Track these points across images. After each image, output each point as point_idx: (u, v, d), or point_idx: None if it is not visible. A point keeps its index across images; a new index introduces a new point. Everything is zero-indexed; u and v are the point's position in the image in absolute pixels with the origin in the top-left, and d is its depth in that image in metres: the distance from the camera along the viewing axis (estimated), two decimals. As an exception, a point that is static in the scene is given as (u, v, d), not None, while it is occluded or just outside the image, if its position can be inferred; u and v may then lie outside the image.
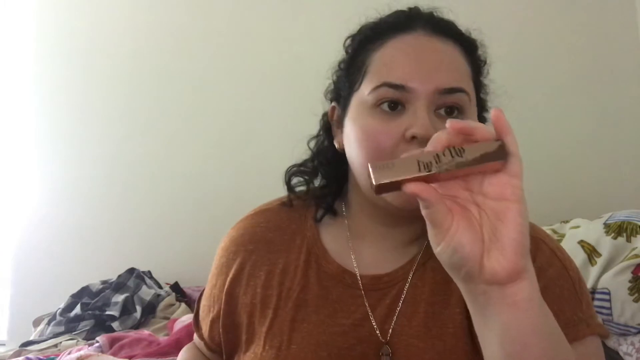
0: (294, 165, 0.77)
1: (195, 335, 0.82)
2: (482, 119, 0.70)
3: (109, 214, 2.17)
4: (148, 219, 2.13)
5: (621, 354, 1.15)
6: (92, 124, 2.23)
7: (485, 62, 0.71)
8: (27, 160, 2.28)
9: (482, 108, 0.71)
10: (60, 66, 2.28)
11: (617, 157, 1.71)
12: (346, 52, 0.72)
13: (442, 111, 0.62)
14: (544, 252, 0.66)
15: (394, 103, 0.61)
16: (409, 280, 0.67)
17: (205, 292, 0.80)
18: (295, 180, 0.77)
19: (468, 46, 0.67)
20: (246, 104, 2.07)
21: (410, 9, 0.69)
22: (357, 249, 0.71)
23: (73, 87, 2.25)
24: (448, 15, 0.70)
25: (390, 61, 0.63)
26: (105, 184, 2.18)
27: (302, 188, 0.77)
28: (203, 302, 0.80)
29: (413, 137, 0.59)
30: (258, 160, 2.00)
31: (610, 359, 1.15)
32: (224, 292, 0.73)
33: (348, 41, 0.72)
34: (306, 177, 0.76)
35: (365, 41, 0.68)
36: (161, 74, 2.17)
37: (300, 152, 0.78)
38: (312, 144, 0.77)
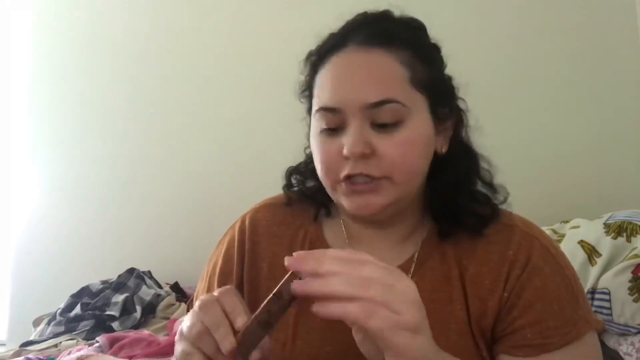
0: (291, 167, 0.80)
1: None
2: (452, 107, 0.69)
3: (109, 214, 2.17)
4: (148, 219, 2.13)
5: (621, 354, 1.15)
6: (92, 123, 2.23)
7: (433, 55, 0.69)
8: (27, 160, 2.28)
9: (449, 97, 0.70)
10: (60, 65, 2.28)
11: (617, 157, 1.71)
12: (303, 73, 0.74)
13: (377, 124, 0.62)
14: (538, 250, 0.66)
15: (333, 123, 0.64)
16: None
17: (204, 276, 0.80)
18: (294, 180, 0.79)
19: (407, 45, 0.65)
20: (246, 104, 2.07)
21: (352, 18, 0.70)
22: (356, 249, 0.72)
23: (73, 86, 2.26)
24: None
25: (324, 84, 0.66)
26: (105, 184, 2.18)
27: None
28: (202, 285, 0.79)
29: (346, 156, 0.62)
30: (258, 160, 2.00)
31: (611, 358, 1.15)
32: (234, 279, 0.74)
33: (302, 63, 0.73)
34: (300, 178, 0.79)
35: (312, 64, 0.70)
36: (161, 74, 2.17)
37: (299, 152, 0.80)
38: (308, 150, 0.79)
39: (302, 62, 0.73)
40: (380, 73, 0.63)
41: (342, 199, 0.65)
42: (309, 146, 0.78)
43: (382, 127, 0.62)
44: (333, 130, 0.64)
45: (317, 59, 0.69)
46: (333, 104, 0.63)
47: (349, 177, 0.63)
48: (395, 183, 0.63)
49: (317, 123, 0.66)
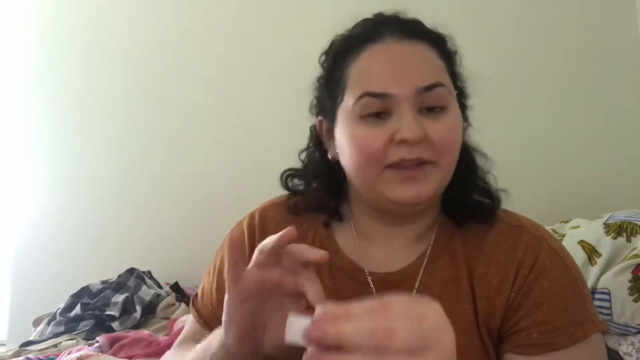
0: (288, 171, 0.79)
1: (190, 321, 0.80)
2: (462, 105, 0.72)
3: (109, 214, 2.17)
4: (148, 219, 2.13)
5: (621, 354, 1.15)
6: (93, 124, 2.23)
7: (456, 52, 0.73)
8: (28, 160, 2.28)
9: (460, 95, 0.72)
10: (60, 66, 2.28)
11: (617, 157, 1.71)
12: (322, 67, 0.73)
13: (425, 110, 0.64)
14: (545, 251, 0.66)
15: (378, 110, 0.64)
16: (418, 278, 0.68)
17: (211, 271, 0.79)
18: (294, 185, 0.78)
19: (437, 41, 0.69)
20: (246, 104, 2.07)
21: (375, 16, 0.71)
22: (366, 249, 0.73)
23: (73, 87, 2.26)
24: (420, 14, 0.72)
25: (368, 72, 0.66)
26: (106, 184, 2.18)
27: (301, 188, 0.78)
28: (208, 280, 0.78)
29: (403, 140, 0.62)
30: (258, 160, 2.00)
31: (611, 358, 1.15)
32: None
33: (323, 57, 0.73)
34: (301, 182, 0.78)
35: (339, 55, 0.70)
36: (162, 74, 2.17)
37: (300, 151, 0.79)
38: (303, 155, 0.79)
39: (323, 54, 0.73)
40: (427, 60, 0.66)
41: (388, 188, 0.64)
42: (305, 149, 0.78)
43: (430, 112, 0.64)
44: (376, 117, 0.64)
45: (346, 49, 0.69)
46: (383, 89, 0.63)
47: (400, 164, 0.63)
48: (440, 169, 0.64)
49: (358, 110, 0.64)
